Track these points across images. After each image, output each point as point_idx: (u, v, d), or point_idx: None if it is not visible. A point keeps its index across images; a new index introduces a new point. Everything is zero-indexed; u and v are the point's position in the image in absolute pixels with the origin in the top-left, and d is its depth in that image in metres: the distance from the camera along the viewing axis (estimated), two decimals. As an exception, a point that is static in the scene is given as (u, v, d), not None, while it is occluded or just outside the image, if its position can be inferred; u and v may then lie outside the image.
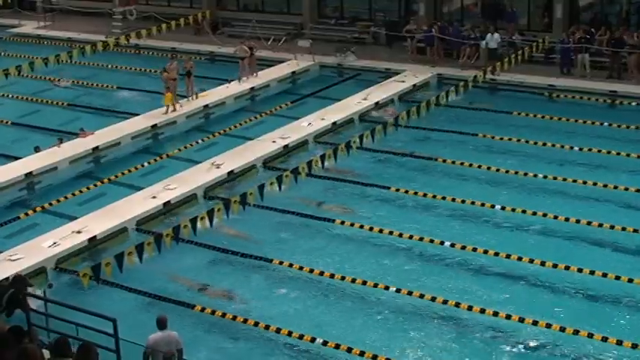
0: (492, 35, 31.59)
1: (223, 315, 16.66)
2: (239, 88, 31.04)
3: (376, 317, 16.70)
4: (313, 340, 15.66)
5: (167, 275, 18.39)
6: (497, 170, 23.02)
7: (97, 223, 20.06)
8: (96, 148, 25.46)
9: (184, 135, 27.21)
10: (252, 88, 31.29)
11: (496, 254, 18.44)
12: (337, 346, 15.44)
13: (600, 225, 19.52)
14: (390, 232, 19.68)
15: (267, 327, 16.17)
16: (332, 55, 34.34)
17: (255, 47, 32.39)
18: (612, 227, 19.39)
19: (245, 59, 31.54)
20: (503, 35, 31.92)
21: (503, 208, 20.64)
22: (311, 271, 18.18)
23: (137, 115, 28.03)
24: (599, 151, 24.02)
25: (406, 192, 21.87)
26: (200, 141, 26.27)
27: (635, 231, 19.18)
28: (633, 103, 28.43)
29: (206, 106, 29.32)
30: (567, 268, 17.71)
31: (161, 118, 27.64)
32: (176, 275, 18.44)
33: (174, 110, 27.82)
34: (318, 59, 33.99)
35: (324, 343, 15.55)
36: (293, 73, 33.22)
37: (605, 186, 21.64)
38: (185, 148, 25.66)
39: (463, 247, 18.83)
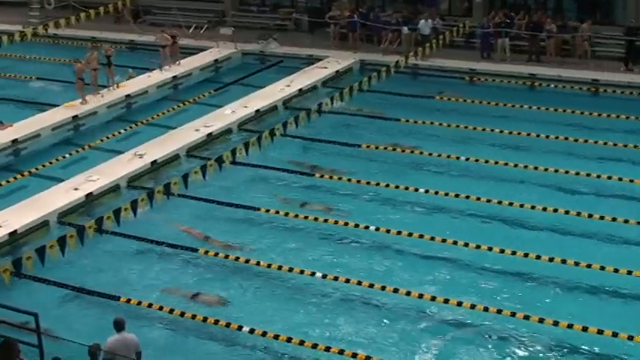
0: (426, 21, 31.78)
1: (150, 305, 16.54)
2: (161, 76, 30.77)
3: (303, 303, 16.76)
4: (240, 327, 15.68)
5: (91, 267, 18.19)
6: (421, 153, 23.27)
7: (18, 216, 19.72)
8: (15, 141, 24.98)
9: (106, 125, 26.86)
10: (174, 77, 31.06)
11: (420, 236, 18.66)
12: (264, 334, 15.46)
13: (521, 205, 19.88)
14: (315, 219, 19.75)
15: (182, 314, 16.21)
16: (254, 42, 34.28)
17: (177, 35, 32.14)
18: (533, 207, 19.77)
19: (167, 47, 31.27)
20: (433, 21, 32.13)
21: (427, 192, 20.87)
22: (237, 259, 18.16)
23: (57, 105, 27.55)
24: (519, 133, 24.44)
25: (330, 178, 21.96)
26: (122, 131, 25.95)
27: (555, 210, 19.58)
28: (552, 86, 28.98)
29: (128, 95, 28.99)
30: (490, 249, 18.01)
31: (82, 108, 27.24)
32: (100, 268, 18.25)
33: (85, 102, 27.38)
34: (241, 47, 33.87)
35: (251, 331, 15.59)
36: (215, 61, 33.04)
37: (525, 167, 22.05)
38: (107, 138, 25.32)
39: (387, 231, 19.01)
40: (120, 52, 31.96)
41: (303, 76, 30.15)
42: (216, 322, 15.90)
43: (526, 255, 17.69)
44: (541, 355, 14.95)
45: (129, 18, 37.68)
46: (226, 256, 18.27)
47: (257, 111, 26.90)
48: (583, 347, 15.00)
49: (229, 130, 25.58)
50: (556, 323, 15.40)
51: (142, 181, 22.30)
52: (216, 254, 18.35)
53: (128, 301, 16.66)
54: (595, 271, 17.02)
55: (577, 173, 21.53)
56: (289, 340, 15.25)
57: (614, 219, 19.03)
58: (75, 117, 26.88)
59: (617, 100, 27.66)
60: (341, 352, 14.90)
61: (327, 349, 14.98)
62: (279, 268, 17.75)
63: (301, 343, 15.17)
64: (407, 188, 21.08)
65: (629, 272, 16.85)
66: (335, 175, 22.02)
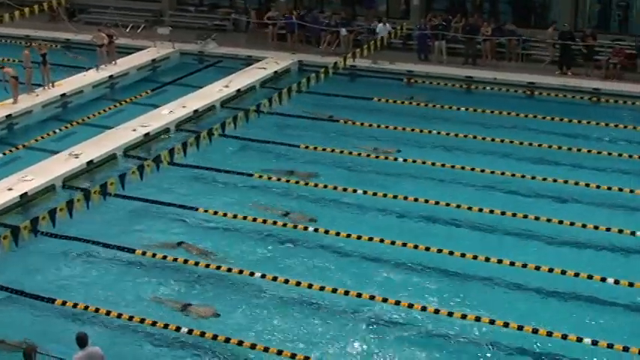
0: (384, 25, 31.86)
1: (86, 308, 16.39)
2: (97, 76, 30.44)
3: (239, 303, 16.76)
4: (179, 329, 15.62)
5: (25, 269, 17.93)
6: (359, 155, 23.40)
7: (-50, 217, 19.39)
8: (-54, 140, 24.57)
9: (41, 125, 26.49)
10: (111, 76, 30.74)
11: (359, 237, 18.75)
12: (203, 334, 15.46)
13: (458, 206, 20.11)
14: (254, 220, 19.73)
15: (119, 315, 16.13)
16: (192, 42, 34.08)
17: (114, 34, 31.81)
18: (470, 208, 20.01)
19: (103, 47, 30.95)
20: (391, 25, 32.25)
21: (364, 192, 20.98)
22: (175, 260, 18.06)
23: (-10, 104, 27.13)
24: (456, 134, 24.71)
25: (269, 178, 21.96)
26: (57, 130, 25.62)
27: (491, 211, 19.82)
28: (488, 88, 29.36)
29: (63, 94, 28.61)
30: (427, 249, 18.20)
31: (15, 107, 26.80)
32: (36, 268, 17.99)
33: (15, 102, 26.94)
34: (179, 46, 33.66)
35: (190, 332, 15.55)
36: (153, 60, 32.78)
37: (462, 168, 22.31)
38: (42, 138, 24.98)
39: (326, 232, 19.08)
40: (55, 52, 31.54)
41: (241, 76, 30.08)
42: (154, 323, 15.82)
43: (463, 255, 17.89)
44: (478, 354, 15.13)
45: (64, 17, 37.13)
46: (164, 257, 18.15)
47: (195, 111, 26.77)
48: (519, 345, 15.23)
49: (167, 130, 25.41)
50: (492, 322, 15.63)
51: (77, 181, 22.03)
52: (153, 255, 18.22)
53: (64, 303, 16.46)
54: (530, 271, 17.30)
55: (513, 174, 21.84)
56: (227, 340, 15.24)
57: (549, 220, 19.34)
58: (8, 116, 26.42)
59: (551, 102, 28.11)
60: (279, 352, 14.95)
61: (266, 349, 15.03)
62: (218, 267, 17.72)
63: (239, 343, 15.16)
64: (345, 189, 21.18)
65: (563, 272, 17.14)
66: (274, 176, 22.00)
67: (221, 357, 15.08)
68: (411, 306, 16.23)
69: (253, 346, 15.04)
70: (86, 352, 13.16)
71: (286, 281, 17.11)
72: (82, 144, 23.68)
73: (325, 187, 21.37)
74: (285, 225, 19.46)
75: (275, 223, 19.55)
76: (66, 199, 19.71)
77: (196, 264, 17.84)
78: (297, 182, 21.70)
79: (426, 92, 28.68)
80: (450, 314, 15.96)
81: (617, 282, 16.80)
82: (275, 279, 17.19)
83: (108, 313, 16.17)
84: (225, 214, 20.01)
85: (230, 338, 15.25)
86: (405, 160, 22.92)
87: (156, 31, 35.21)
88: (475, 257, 17.79)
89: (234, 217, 19.91)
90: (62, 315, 16.29)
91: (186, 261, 17.96)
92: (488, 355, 15.07)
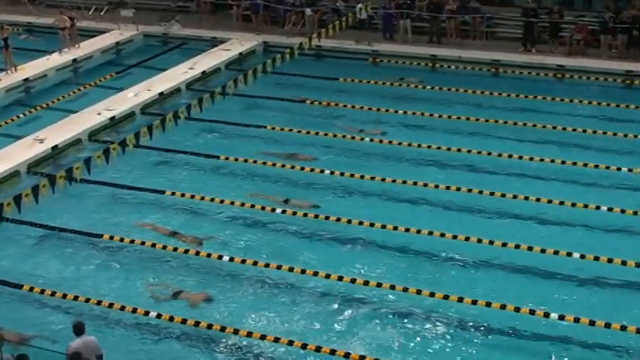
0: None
1: (42, 291, 16.39)
2: (60, 59, 30.16)
3: (212, 284, 16.78)
4: (135, 309, 15.70)
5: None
6: (325, 135, 23.41)
7: None
8: None
9: (4, 110, 26.21)
10: (74, 60, 30.49)
11: (327, 218, 18.82)
12: (159, 315, 15.55)
13: (425, 185, 20.22)
14: (222, 201, 19.73)
15: (85, 299, 16.12)
16: (156, 24, 33.85)
17: (76, 17, 31.51)
18: (436, 187, 20.12)
19: (65, 30, 30.65)
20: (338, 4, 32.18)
21: (332, 173, 21.01)
22: (142, 243, 18.03)
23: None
24: (422, 113, 24.79)
25: (236, 160, 21.92)
26: (21, 115, 25.43)
27: (458, 189, 19.95)
28: (452, 67, 29.44)
29: (26, 79, 28.34)
30: (395, 228, 18.26)
31: (-22, 93, 26.58)
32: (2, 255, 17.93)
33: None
34: (142, 29, 33.41)
35: (159, 316, 15.58)
36: (117, 43, 32.52)
37: (428, 147, 22.38)
38: (5, 123, 24.76)
39: (294, 213, 19.13)
40: (16, 35, 31.23)
41: (206, 58, 29.94)
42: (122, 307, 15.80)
43: (430, 233, 18.01)
44: (450, 331, 15.24)
45: (25, -1, 36.75)
46: (132, 241, 18.12)
47: (160, 94, 26.62)
48: (487, 323, 15.36)
49: (132, 114, 25.26)
50: (460, 299, 15.75)
51: (42, 166, 21.87)
52: (121, 239, 18.16)
53: (31, 289, 16.40)
54: (497, 248, 17.43)
55: (479, 152, 21.96)
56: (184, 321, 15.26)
57: (515, 196, 19.48)
58: (-29, 102, 26.23)
59: (516, 79, 28.26)
60: (249, 334, 15.01)
61: (236, 331, 15.06)
62: (186, 252, 17.71)
63: (209, 327, 15.19)
64: (312, 170, 21.21)
65: (530, 248, 17.32)
66: (240, 158, 21.97)
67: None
68: (379, 285, 16.31)
69: (223, 329, 15.09)
70: (82, 340, 13.04)
71: (255, 263, 17.13)
72: (46, 129, 23.48)
73: (293, 167, 21.41)
74: (252, 206, 19.45)
75: (243, 204, 19.53)
76: (31, 184, 19.54)
77: (164, 247, 17.79)
78: (264, 163, 21.67)
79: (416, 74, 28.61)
80: (419, 292, 16.04)
81: (582, 257, 16.98)
82: (244, 262, 17.20)
83: (76, 298, 16.17)
84: (192, 196, 19.97)
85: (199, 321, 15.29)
86: (371, 140, 22.95)
87: (119, 13, 34.91)
88: (442, 235, 17.90)
89: (202, 199, 19.86)
90: (29, 302, 16.21)
91: (154, 245, 17.91)
92: (457, 332, 15.18)
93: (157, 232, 18.54)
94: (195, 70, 28.56)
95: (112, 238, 18.26)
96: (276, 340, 14.80)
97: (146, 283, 16.88)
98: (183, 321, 15.37)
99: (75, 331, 13.16)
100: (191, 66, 28.93)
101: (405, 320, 15.54)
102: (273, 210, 19.29)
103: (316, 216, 18.96)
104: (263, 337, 14.86)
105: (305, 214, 19.03)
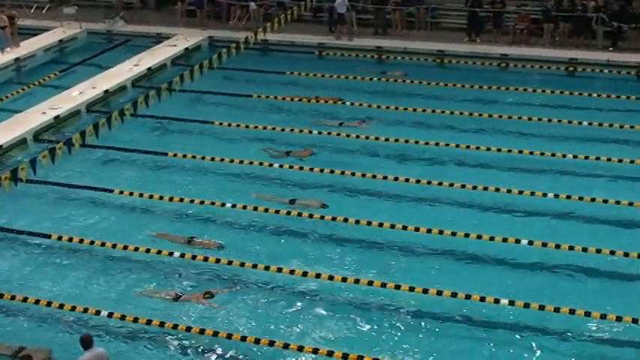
0: (342, 0, 31.73)
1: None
2: (2, 59, 29.72)
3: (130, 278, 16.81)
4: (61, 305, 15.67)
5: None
6: (274, 129, 23.38)
7: None
8: None
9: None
10: (16, 59, 30.05)
11: (277, 212, 18.86)
12: (73, 308, 15.53)
13: (374, 176, 20.35)
14: (171, 199, 19.62)
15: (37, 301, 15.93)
16: (100, 21, 33.50)
17: (16, 16, 31.06)
18: (374, 176, 20.30)
19: (6, 29, 30.19)
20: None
21: (281, 166, 21.02)
22: (92, 242, 17.88)
23: None
24: (370, 105, 24.88)
25: (184, 156, 21.81)
26: (-36, 117, 25.05)
27: (395, 179, 20.09)
28: (399, 58, 29.57)
29: (-33, 79, 27.98)
30: (346, 220, 18.35)
31: None
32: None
33: None
34: (86, 26, 33.04)
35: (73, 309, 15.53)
36: (60, 41, 32.13)
37: (376, 138, 22.49)
38: (-53, 125, 24.37)
39: (244, 207, 19.08)
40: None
41: (151, 54, 29.72)
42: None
43: (381, 225, 18.11)
44: (400, 322, 15.33)
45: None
46: (70, 239, 18.00)
47: (106, 91, 26.37)
48: (439, 311, 15.48)
49: (77, 112, 24.99)
50: (412, 289, 15.85)
51: (-13, 167, 21.61)
52: (70, 239, 17.97)
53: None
54: (447, 237, 17.64)
55: (426, 143, 22.10)
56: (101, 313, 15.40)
57: (463, 186, 19.67)
58: None
59: (461, 69, 28.48)
60: (188, 328, 14.98)
61: (178, 326, 15.02)
62: (125, 248, 17.66)
63: (148, 322, 15.17)
64: (261, 164, 21.21)
65: (479, 237, 17.47)
66: (189, 154, 21.86)
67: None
68: (331, 278, 16.35)
69: (162, 324, 15.02)
70: (93, 353, 12.71)
71: (206, 259, 17.09)
72: (-11, 129, 23.20)
73: (241, 162, 21.36)
74: (202, 202, 19.38)
75: (192, 201, 19.46)
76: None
77: (106, 245, 17.65)
78: (212, 159, 21.59)
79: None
80: (370, 283, 16.13)
81: (530, 243, 17.23)
82: (182, 255, 17.19)
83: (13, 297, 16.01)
84: (141, 195, 19.84)
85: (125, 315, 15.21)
86: (319, 133, 22.99)
87: (62, 11, 34.48)
88: (392, 226, 18.01)
89: (150, 197, 19.74)
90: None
91: (103, 243, 17.77)
92: (410, 322, 15.28)
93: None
94: (140, 67, 28.34)
95: (60, 238, 18.05)
96: (229, 336, 14.77)
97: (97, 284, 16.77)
98: (135, 320, 15.27)
99: (83, 344, 12.77)
100: (136, 63, 28.70)
101: (358, 311, 15.59)
102: (223, 204, 19.21)
103: (255, 207, 19.01)
104: (202, 332, 14.84)
105: (255, 208, 19.01)
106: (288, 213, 18.75)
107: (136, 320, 15.24)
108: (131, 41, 32.19)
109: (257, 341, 14.59)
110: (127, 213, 19.44)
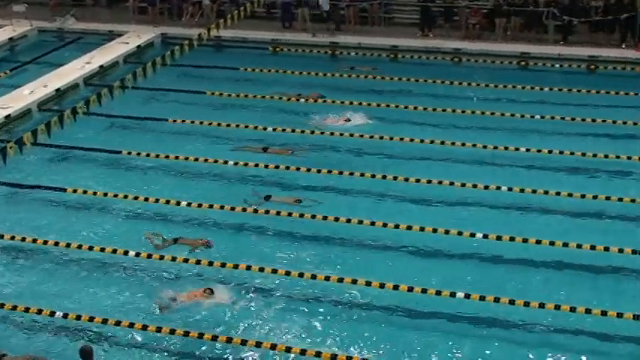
0: None
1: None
2: (-50, 59, 29.35)
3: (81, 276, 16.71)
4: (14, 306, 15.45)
5: None
6: (228, 125, 23.30)
7: None
8: None
9: None
10: (-35, 58, 29.68)
11: (221, 207, 18.84)
12: (26, 309, 15.33)
13: (318, 171, 20.34)
14: (125, 196, 19.46)
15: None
16: (51, 19, 33.09)
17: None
18: (329, 172, 20.26)
19: (-46, 27, 29.78)
20: None
21: (225, 162, 20.99)
22: (45, 242, 17.68)
23: None
24: (325, 100, 24.93)
25: (138, 154, 21.64)
26: None
27: (351, 174, 20.15)
28: (352, 53, 29.61)
29: None
30: (301, 215, 18.40)
31: None
32: None
33: None
34: (36, 24, 32.61)
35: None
36: (10, 39, 31.65)
37: (332, 134, 22.54)
38: None
39: (201, 206, 19.00)
40: None
41: (103, 52, 29.43)
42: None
43: (337, 219, 18.13)
44: (353, 315, 15.40)
45: None
46: (34, 240, 17.76)
47: (57, 90, 26.06)
48: (395, 304, 15.58)
49: (28, 111, 24.68)
50: (368, 283, 15.89)
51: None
52: (23, 239, 17.76)
53: None
54: (390, 230, 17.74)
55: (381, 137, 22.17)
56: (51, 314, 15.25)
57: (417, 180, 19.74)
58: None
59: (415, 64, 28.60)
60: (131, 324, 14.88)
61: (118, 323, 14.94)
62: (90, 248, 17.46)
63: (78, 317, 15.08)
64: (216, 161, 21.14)
65: (422, 229, 17.62)
66: (143, 152, 21.69)
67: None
68: (288, 273, 16.36)
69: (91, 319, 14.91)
70: None
71: (138, 254, 17.06)
72: (-62, 130, 22.86)
73: (196, 160, 21.26)
74: (157, 201, 19.26)
75: (147, 199, 19.33)
76: None
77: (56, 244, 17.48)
78: (166, 156, 21.46)
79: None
80: (327, 279, 16.15)
81: (473, 235, 17.38)
82: (126, 253, 17.05)
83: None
84: (95, 193, 19.66)
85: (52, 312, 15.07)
86: (274, 130, 22.93)
87: (11, 8, 33.98)
88: (337, 219, 18.10)
89: (105, 195, 19.56)
90: None
91: (45, 242, 17.58)
92: (363, 315, 15.34)
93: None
94: (92, 65, 28.04)
95: (13, 238, 17.82)
96: (186, 333, 14.70)
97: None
98: (64, 315, 15.20)
99: (82, 355, 12.60)
100: (88, 60, 28.39)
101: (308, 305, 15.65)
102: (178, 203, 19.09)
103: (211, 205, 18.91)
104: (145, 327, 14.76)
105: (199, 205, 18.94)
106: (232, 209, 18.72)
107: (78, 318, 15.14)
108: (83, 39, 31.83)
109: (215, 338, 14.58)
110: (78, 212, 19.23)
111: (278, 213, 18.52)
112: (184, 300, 15.75)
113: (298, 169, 20.55)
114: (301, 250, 17.46)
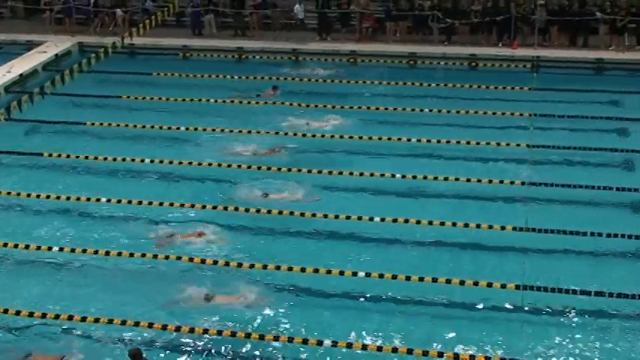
0: (300, 5, 31.33)
1: None
2: None
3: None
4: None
5: None
6: (144, 127, 23.10)
7: None
8: None
9: None
10: None
11: (150, 202, 18.59)
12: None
13: (248, 166, 20.28)
14: (48, 197, 19.05)
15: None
16: (-31, 31, 32.28)
17: None
18: (289, 169, 20.00)
19: None
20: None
21: (161, 162, 20.71)
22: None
23: None
24: (232, 101, 24.98)
25: (59, 156, 21.28)
26: None
27: (279, 169, 20.01)
28: (257, 57, 29.74)
29: None
30: (247, 210, 18.03)
31: None
32: None
33: None
34: (-45, 36, 31.78)
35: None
36: None
37: (240, 131, 22.53)
38: None
39: (130, 202, 18.73)
40: None
41: (23, 61, 28.80)
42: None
43: (292, 213, 17.88)
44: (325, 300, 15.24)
45: None
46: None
47: (-21, 98, 25.47)
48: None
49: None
50: (329, 272, 15.60)
51: None
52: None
53: None
54: (320, 219, 17.67)
55: (285, 134, 22.35)
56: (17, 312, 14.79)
57: (361, 174, 19.68)
58: None
59: (315, 65, 28.84)
60: (97, 320, 14.45)
61: (84, 319, 14.56)
62: (16, 246, 17.04)
63: (56, 317, 14.62)
64: (143, 160, 20.78)
65: (348, 217, 17.59)
66: (63, 154, 21.34)
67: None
68: (252, 266, 16.11)
69: (57, 316, 14.71)
70: None
71: (107, 253, 16.67)
72: None
73: (114, 160, 21.00)
74: (88, 199, 18.90)
75: (79, 199, 18.96)
76: None
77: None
78: (86, 157, 21.15)
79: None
80: (290, 268, 15.77)
81: (406, 221, 17.27)
82: (73, 250, 16.77)
83: None
84: (18, 194, 19.26)
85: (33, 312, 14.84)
86: (195, 129, 22.75)
87: None
88: (303, 214, 17.81)
89: (28, 195, 19.18)
90: None
91: (5, 244, 17.22)
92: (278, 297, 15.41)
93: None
94: (12, 74, 27.41)
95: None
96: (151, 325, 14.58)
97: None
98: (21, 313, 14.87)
99: (132, 358, 12.13)
100: (8, 69, 27.75)
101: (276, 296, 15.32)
102: (99, 199, 18.83)
103: (161, 203, 18.46)
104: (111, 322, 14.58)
105: (150, 202, 18.58)
106: (161, 204, 18.48)
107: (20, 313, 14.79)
108: (2, 49, 31.08)
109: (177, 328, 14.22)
110: (6, 213, 18.84)
111: (214, 207, 18.39)
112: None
113: (209, 164, 20.47)
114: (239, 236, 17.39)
